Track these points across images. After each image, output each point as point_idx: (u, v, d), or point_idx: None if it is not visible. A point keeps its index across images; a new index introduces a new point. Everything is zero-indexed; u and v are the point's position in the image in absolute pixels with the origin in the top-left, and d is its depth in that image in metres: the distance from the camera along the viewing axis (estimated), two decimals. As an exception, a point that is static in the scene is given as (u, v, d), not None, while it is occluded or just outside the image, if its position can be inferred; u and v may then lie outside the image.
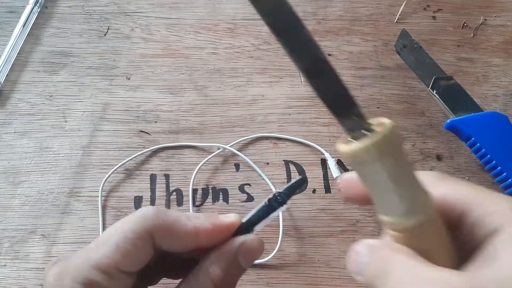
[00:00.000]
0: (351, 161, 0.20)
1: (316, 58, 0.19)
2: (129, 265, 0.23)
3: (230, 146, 0.45)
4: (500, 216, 0.18)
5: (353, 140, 0.20)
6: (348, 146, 0.20)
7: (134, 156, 0.45)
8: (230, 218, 0.26)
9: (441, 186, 0.21)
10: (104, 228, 0.42)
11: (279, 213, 0.26)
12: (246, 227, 0.26)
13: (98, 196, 0.43)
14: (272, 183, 0.44)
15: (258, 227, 0.26)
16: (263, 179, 0.44)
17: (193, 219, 0.25)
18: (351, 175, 0.23)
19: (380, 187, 0.20)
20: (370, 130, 0.20)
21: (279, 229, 0.41)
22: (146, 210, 0.24)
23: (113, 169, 0.44)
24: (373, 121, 0.20)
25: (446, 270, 0.18)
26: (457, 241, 0.20)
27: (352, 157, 0.20)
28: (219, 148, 0.46)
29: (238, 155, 0.45)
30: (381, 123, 0.20)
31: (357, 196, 0.24)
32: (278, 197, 0.25)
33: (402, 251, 0.19)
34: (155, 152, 0.46)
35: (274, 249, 0.40)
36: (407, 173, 0.19)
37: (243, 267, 0.25)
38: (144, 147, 0.46)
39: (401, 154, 0.19)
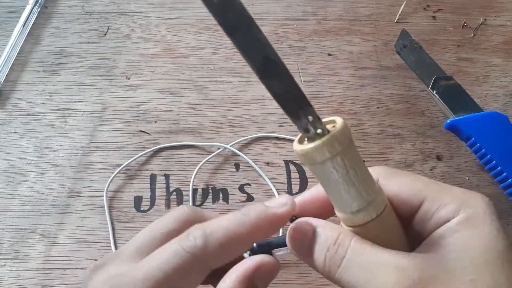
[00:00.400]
0: (304, 160, 0.21)
1: (267, 58, 0.20)
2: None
3: (230, 146, 0.45)
4: (448, 209, 0.20)
5: (307, 140, 0.21)
6: (301, 146, 0.20)
7: (137, 156, 0.45)
8: (282, 203, 0.23)
9: (395, 181, 0.22)
10: (113, 228, 0.42)
11: None
12: (265, 247, 0.25)
13: (98, 196, 0.43)
14: (272, 183, 0.44)
15: (279, 253, 0.25)
16: (263, 179, 0.44)
17: (245, 222, 0.22)
18: (300, 200, 0.24)
19: (333, 185, 0.20)
20: (323, 129, 0.20)
21: (278, 231, 0.41)
22: (194, 235, 0.22)
23: (118, 169, 0.44)
24: (327, 120, 0.21)
25: (398, 253, 0.20)
26: (411, 233, 0.22)
27: (305, 157, 0.20)
28: (219, 148, 0.46)
29: (238, 155, 0.45)
30: (333, 121, 0.21)
31: (315, 213, 0.24)
32: None
33: (356, 238, 0.21)
34: (155, 152, 0.46)
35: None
36: (359, 172, 0.20)
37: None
38: (144, 147, 0.46)
39: (352, 153, 0.20)
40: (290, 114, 0.21)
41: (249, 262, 0.23)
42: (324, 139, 0.20)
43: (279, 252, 0.25)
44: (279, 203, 0.23)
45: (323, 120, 0.21)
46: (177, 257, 0.21)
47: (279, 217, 0.23)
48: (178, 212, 0.24)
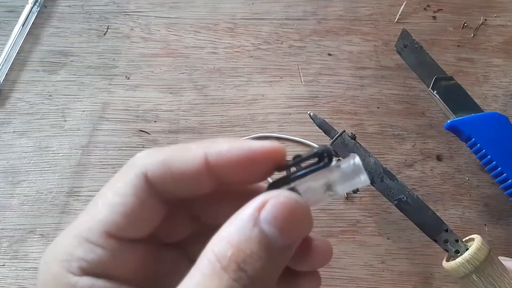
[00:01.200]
0: (453, 274, 0.26)
1: (400, 200, 0.28)
2: (123, 225, 0.17)
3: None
4: None
5: (452, 258, 0.27)
6: (448, 264, 0.27)
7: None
8: (264, 143, 0.17)
9: None
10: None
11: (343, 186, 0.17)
12: (284, 182, 0.18)
13: (97, 196, 0.43)
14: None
15: (304, 188, 0.17)
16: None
17: (202, 143, 0.18)
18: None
19: None
20: (459, 249, 0.26)
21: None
22: (137, 154, 0.18)
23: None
24: (467, 238, 0.28)
25: None
26: None
27: (448, 272, 0.26)
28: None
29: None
30: (471, 238, 0.27)
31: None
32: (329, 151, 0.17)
33: None
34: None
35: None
36: (501, 280, 0.24)
37: (277, 243, 0.16)
38: (144, 147, 0.46)
39: (488, 271, 0.25)
40: (430, 237, 0.28)
41: (246, 205, 0.16)
42: (457, 260, 0.26)
43: (306, 185, 0.17)
44: (262, 142, 0.18)
45: (466, 238, 0.27)
46: (116, 176, 0.18)
47: (251, 151, 0.17)
48: (130, 161, 0.18)
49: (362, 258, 0.41)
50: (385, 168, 0.27)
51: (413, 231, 0.42)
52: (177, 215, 0.20)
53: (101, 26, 0.53)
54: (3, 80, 0.49)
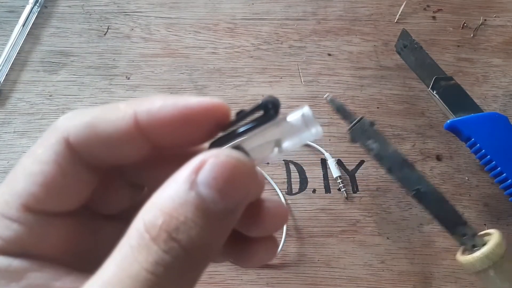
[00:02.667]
0: (469, 268, 0.25)
1: (418, 190, 0.27)
2: (50, 200, 0.15)
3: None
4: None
5: (466, 251, 0.26)
6: (464, 257, 0.26)
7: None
8: (203, 98, 0.15)
9: None
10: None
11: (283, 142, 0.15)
12: (228, 141, 0.16)
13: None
14: (274, 183, 0.44)
15: (250, 145, 0.15)
16: (265, 178, 0.44)
17: (134, 103, 0.15)
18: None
19: None
20: (477, 244, 0.25)
21: (281, 229, 0.41)
22: (60, 117, 0.16)
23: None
24: (483, 232, 0.27)
25: None
26: None
27: (463, 267, 0.25)
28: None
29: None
30: (488, 233, 0.27)
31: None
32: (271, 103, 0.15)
33: None
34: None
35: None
36: None
37: (216, 207, 0.14)
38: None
39: (506, 267, 0.24)
40: (447, 230, 0.26)
41: (182, 167, 0.14)
42: (476, 254, 0.25)
43: (254, 143, 0.15)
44: (199, 97, 0.16)
45: (481, 232, 0.26)
46: (37, 143, 0.15)
47: (188, 108, 0.15)
48: (52, 125, 0.16)
49: (362, 258, 0.41)
50: (405, 157, 0.26)
51: (413, 231, 0.42)
52: (113, 184, 0.17)
53: (101, 26, 0.53)
54: (4, 80, 0.49)
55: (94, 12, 0.54)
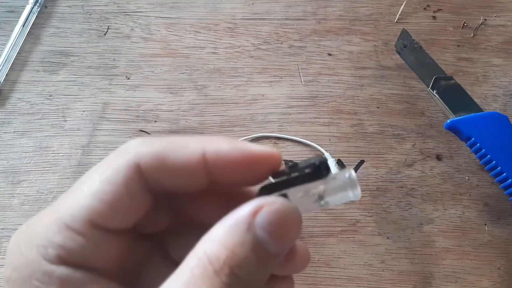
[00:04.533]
0: None
1: None
2: (109, 215, 0.16)
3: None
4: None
5: None
6: None
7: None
8: (263, 147, 0.17)
9: None
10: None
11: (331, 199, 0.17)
12: (276, 188, 0.17)
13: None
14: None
15: (295, 195, 0.17)
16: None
17: (201, 139, 0.17)
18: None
19: None
20: None
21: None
22: (130, 141, 0.17)
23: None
24: None
25: None
26: None
27: None
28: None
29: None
30: None
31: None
32: (324, 164, 0.16)
33: None
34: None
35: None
36: None
37: (268, 249, 0.15)
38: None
39: None
40: None
41: (241, 208, 0.16)
42: None
43: (298, 194, 0.17)
44: (259, 146, 0.18)
45: None
46: (106, 161, 0.17)
47: (251, 154, 0.17)
48: (123, 146, 0.17)
49: (362, 257, 0.41)
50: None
51: (413, 230, 0.42)
52: (159, 207, 0.19)
53: (101, 26, 0.53)
54: (4, 80, 0.50)
55: (94, 12, 0.54)
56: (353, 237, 0.41)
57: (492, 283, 0.40)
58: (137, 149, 0.16)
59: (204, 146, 0.16)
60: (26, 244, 0.15)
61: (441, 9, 0.55)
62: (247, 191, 0.19)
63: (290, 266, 0.19)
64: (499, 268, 0.40)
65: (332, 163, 0.44)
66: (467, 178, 0.44)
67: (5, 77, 0.50)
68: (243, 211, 0.15)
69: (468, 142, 0.41)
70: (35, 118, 0.48)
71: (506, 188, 0.41)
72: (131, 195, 0.16)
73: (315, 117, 0.47)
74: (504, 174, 0.40)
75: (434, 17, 0.54)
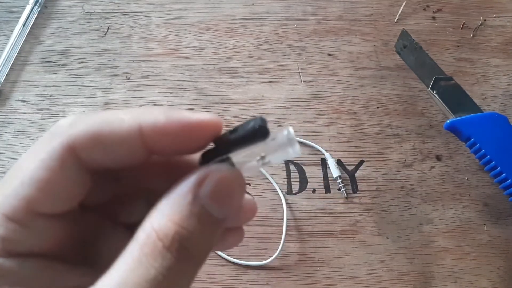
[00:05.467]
0: None
1: None
2: (48, 201, 0.15)
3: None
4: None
5: None
6: None
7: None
8: (202, 114, 0.17)
9: None
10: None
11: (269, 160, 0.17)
12: (218, 153, 0.17)
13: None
14: (275, 182, 0.44)
15: (238, 159, 0.17)
16: (264, 178, 0.44)
17: (136, 112, 0.16)
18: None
19: None
20: None
21: (281, 229, 0.41)
22: (61, 120, 0.16)
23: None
24: None
25: None
26: None
27: None
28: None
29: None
30: None
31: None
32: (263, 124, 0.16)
33: None
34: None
35: (275, 249, 0.40)
36: None
37: (215, 216, 0.16)
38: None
39: None
40: None
41: (185, 181, 0.16)
42: None
43: (241, 156, 0.17)
44: (198, 113, 0.17)
45: None
46: (38, 145, 0.16)
47: (189, 122, 0.16)
48: (54, 127, 0.16)
49: (361, 257, 0.41)
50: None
51: (413, 230, 0.42)
52: (100, 181, 0.18)
53: (101, 26, 0.53)
54: (4, 80, 0.50)
55: (94, 12, 0.54)
56: (353, 237, 0.42)
57: (491, 283, 0.40)
58: (70, 130, 0.16)
59: (140, 120, 0.16)
60: None
61: (441, 10, 0.55)
62: (190, 158, 0.19)
63: (238, 219, 0.20)
64: (498, 268, 0.40)
65: (332, 163, 0.44)
66: (466, 178, 0.45)
67: (5, 77, 0.50)
68: (188, 183, 0.16)
69: (468, 143, 0.41)
70: (35, 118, 0.48)
71: (505, 188, 0.41)
72: (68, 178, 0.16)
73: (315, 117, 0.48)
74: (504, 174, 0.40)
75: (433, 18, 0.54)
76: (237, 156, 0.17)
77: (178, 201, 0.16)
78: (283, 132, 0.17)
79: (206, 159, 0.18)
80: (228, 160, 0.17)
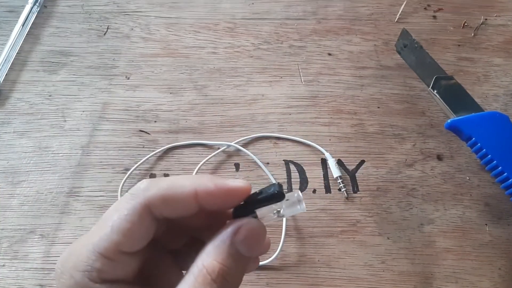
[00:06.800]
0: None
1: None
2: (129, 244, 0.22)
3: (234, 144, 0.45)
4: None
5: None
6: None
7: (149, 155, 0.45)
8: (238, 182, 0.23)
9: None
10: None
11: (284, 213, 0.24)
12: (247, 208, 0.24)
13: (97, 196, 0.43)
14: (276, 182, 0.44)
15: (261, 213, 0.23)
16: (264, 178, 0.44)
17: (193, 180, 0.23)
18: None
19: None
20: None
21: (281, 230, 0.41)
22: (139, 183, 0.23)
23: (131, 171, 0.44)
24: None
25: None
26: None
27: None
28: (219, 148, 0.45)
29: (243, 154, 0.45)
30: None
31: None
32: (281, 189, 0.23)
33: None
34: (154, 151, 0.46)
35: (275, 250, 0.40)
36: None
37: (245, 255, 0.23)
38: (143, 147, 0.46)
39: None
40: None
41: (226, 228, 0.23)
42: None
43: (264, 211, 0.23)
44: (234, 180, 0.24)
45: None
46: (123, 203, 0.22)
47: (230, 187, 0.23)
48: (134, 188, 0.23)
49: (362, 258, 0.41)
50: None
51: (413, 231, 0.42)
52: (173, 230, 0.26)
53: (101, 26, 0.53)
54: (3, 80, 0.49)
55: (94, 12, 0.54)
56: (354, 238, 0.41)
57: (492, 283, 0.39)
58: (146, 193, 0.22)
59: (196, 186, 0.22)
60: (73, 270, 0.21)
61: (442, 9, 0.54)
62: (226, 210, 0.26)
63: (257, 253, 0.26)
64: (499, 269, 0.40)
65: (332, 163, 0.44)
66: (467, 178, 0.44)
67: (4, 77, 0.50)
68: (227, 233, 0.22)
69: (469, 142, 0.41)
70: (34, 118, 0.48)
71: (507, 188, 0.41)
72: (144, 227, 0.22)
73: (315, 117, 0.47)
74: (505, 174, 0.40)
75: (434, 17, 0.54)
76: (260, 211, 0.23)
77: (220, 245, 0.22)
78: (294, 194, 0.24)
79: (238, 212, 0.24)
80: (253, 213, 0.23)
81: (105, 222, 0.22)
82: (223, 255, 0.22)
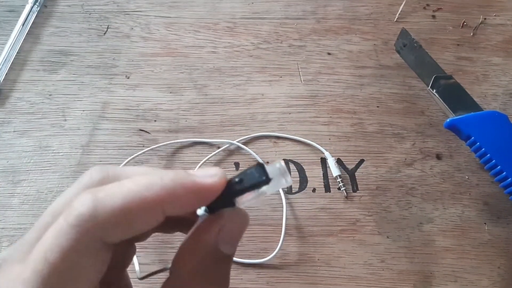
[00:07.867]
0: None
1: None
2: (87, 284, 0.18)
3: (236, 143, 0.45)
4: None
5: None
6: None
7: (147, 150, 0.45)
8: (209, 178, 0.19)
9: None
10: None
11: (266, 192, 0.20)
12: (224, 201, 0.20)
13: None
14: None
15: (242, 201, 0.20)
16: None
17: (155, 188, 0.18)
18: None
19: None
20: None
21: (281, 229, 0.41)
22: (78, 202, 0.17)
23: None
24: None
25: None
26: None
27: None
28: (219, 147, 0.45)
29: (244, 151, 0.45)
30: None
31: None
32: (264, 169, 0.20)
33: None
34: (154, 150, 0.46)
35: (275, 249, 0.40)
36: None
37: (228, 254, 0.20)
38: (143, 146, 0.46)
39: None
40: None
41: (209, 231, 0.20)
42: None
43: (245, 198, 0.20)
44: (206, 173, 0.19)
45: None
46: (60, 237, 0.16)
47: (201, 187, 0.18)
48: (84, 181, 0.20)
49: (361, 257, 0.41)
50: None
51: (413, 230, 0.42)
52: (130, 242, 0.23)
53: (101, 25, 0.53)
54: (3, 79, 0.49)
55: (94, 11, 0.54)
56: (353, 237, 0.41)
57: (492, 282, 0.40)
58: (93, 223, 0.16)
59: (161, 197, 0.18)
60: None
61: (441, 8, 0.55)
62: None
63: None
64: (499, 267, 0.40)
65: (332, 162, 0.44)
66: (467, 177, 0.44)
67: (5, 77, 0.50)
68: (210, 234, 0.20)
69: (468, 141, 0.41)
70: (35, 117, 0.48)
71: (506, 187, 0.41)
72: (95, 268, 0.18)
73: (315, 116, 0.47)
74: (504, 173, 0.40)
75: (433, 16, 0.54)
76: (241, 199, 0.20)
77: (204, 248, 0.20)
78: (276, 167, 0.20)
79: (214, 205, 0.20)
80: (233, 204, 0.20)
81: (39, 260, 0.16)
82: (207, 258, 0.20)
